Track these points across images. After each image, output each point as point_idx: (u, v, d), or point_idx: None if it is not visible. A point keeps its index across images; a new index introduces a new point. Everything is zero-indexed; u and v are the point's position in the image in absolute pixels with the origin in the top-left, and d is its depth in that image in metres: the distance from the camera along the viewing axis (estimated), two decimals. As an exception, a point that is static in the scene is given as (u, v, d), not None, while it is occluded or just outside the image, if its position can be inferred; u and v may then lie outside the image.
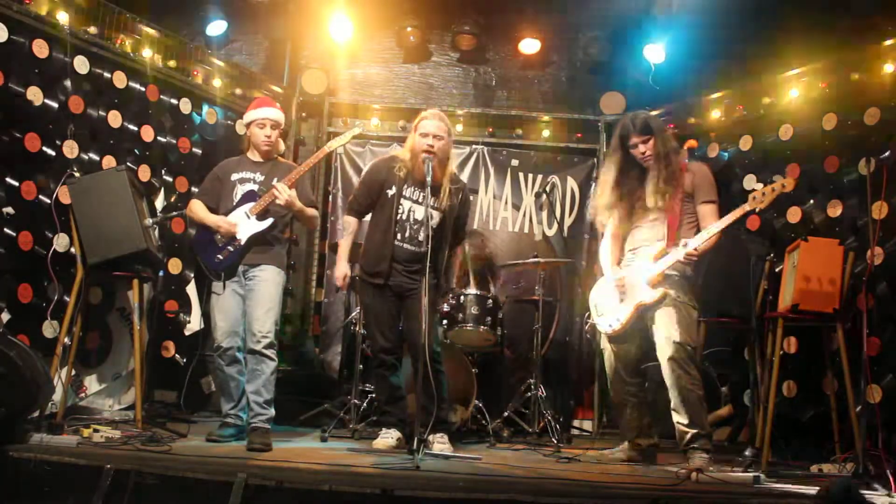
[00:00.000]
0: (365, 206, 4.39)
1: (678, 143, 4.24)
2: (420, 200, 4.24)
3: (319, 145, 6.35)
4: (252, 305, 4.09)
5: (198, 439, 4.03)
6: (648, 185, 4.08)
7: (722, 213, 3.98)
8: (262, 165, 4.30)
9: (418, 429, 3.62)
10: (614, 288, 4.20)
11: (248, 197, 4.20)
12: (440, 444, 4.13)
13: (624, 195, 4.18)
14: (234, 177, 4.28)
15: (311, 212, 4.29)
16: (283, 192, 4.05)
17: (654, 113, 4.32)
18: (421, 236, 4.19)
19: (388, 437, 4.21)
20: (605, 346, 4.31)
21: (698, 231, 4.01)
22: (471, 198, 4.66)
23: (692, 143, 5.83)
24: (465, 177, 6.24)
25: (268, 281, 4.12)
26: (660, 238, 4.07)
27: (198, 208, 4.28)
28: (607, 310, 4.24)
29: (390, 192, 4.26)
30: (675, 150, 4.15)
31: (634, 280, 4.10)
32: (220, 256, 4.18)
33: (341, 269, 4.38)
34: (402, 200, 4.24)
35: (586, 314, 4.53)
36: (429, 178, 4.02)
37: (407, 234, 4.24)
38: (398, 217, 4.23)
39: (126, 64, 5.17)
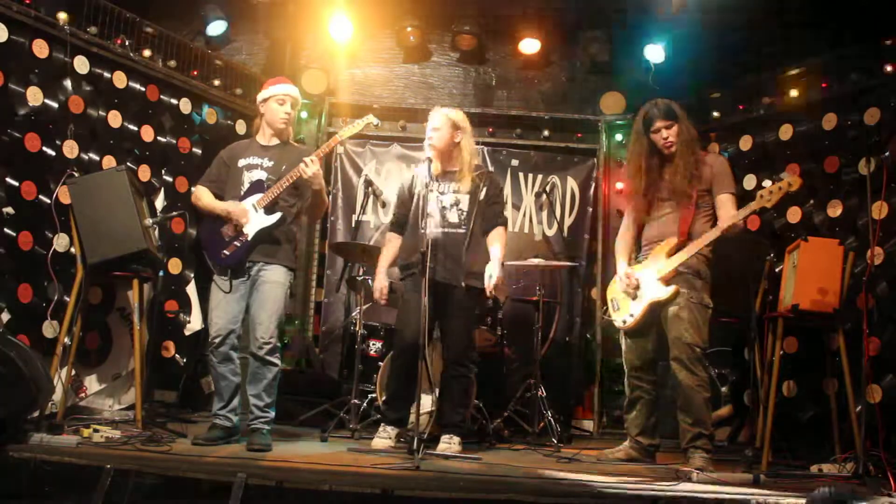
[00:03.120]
0: (404, 217, 4.45)
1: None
2: (445, 191, 4.31)
3: (319, 145, 6.34)
4: (256, 309, 3.97)
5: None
6: (678, 171, 4.06)
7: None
8: (271, 150, 4.15)
9: (418, 428, 3.63)
10: (625, 283, 4.20)
11: (256, 187, 4.05)
12: (446, 444, 4.13)
13: (649, 183, 4.16)
14: (242, 163, 4.12)
15: (327, 200, 4.24)
16: (312, 167, 3.92)
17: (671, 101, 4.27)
18: (452, 218, 4.24)
19: (384, 437, 4.20)
20: (622, 340, 4.31)
21: (714, 224, 4.00)
22: (498, 180, 4.57)
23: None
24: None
25: (274, 283, 4.00)
26: (673, 232, 4.06)
27: (203, 195, 4.13)
28: (622, 305, 4.24)
29: (416, 190, 4.37)
30: (697, 139, 4.14)
31: (647, 276, 4.10)
32: (225, 252, 4.02)
33: (380, 281, 4.41)
34: (429, 194, 4.22)
35: (604, 308, 4.52)
36: (430, 170, 4.10)
37: (438, 219, 4.26)
38: (427, 209, 4.18)
39: (126, 64, 5.17)
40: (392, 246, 4.48)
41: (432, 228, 4.19)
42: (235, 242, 4.03)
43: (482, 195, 4.29)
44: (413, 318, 4.12)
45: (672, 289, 3.99)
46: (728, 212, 3.97)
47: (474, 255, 4.23)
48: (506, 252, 4.34)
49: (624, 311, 4.22)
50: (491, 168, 6.35)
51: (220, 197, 4.13)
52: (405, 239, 4.42)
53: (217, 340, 4.00)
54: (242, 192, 4.07)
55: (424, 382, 3.87)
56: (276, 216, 4.02)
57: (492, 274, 4.16)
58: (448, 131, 4.32)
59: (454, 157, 4.34)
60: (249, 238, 4.01)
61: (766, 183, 3.85)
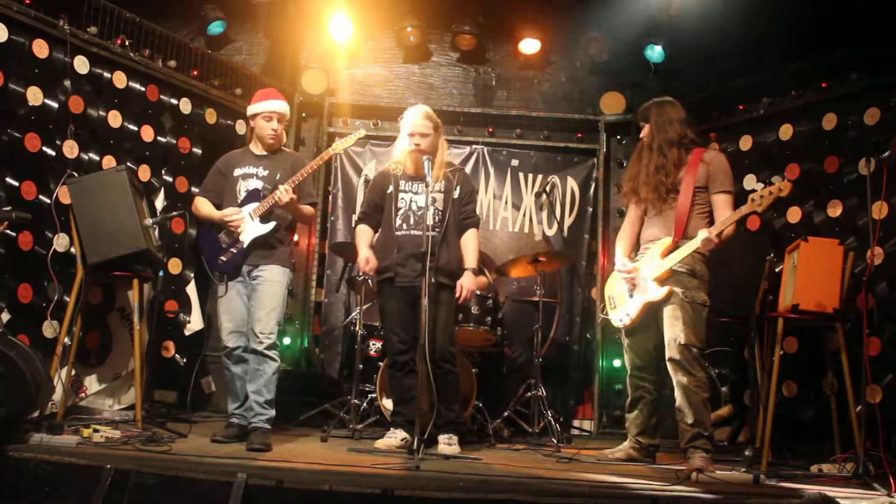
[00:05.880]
0: (374, 210, 4.43)
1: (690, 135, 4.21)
2: (419, 191, 4.28)
3: (319, 145, 6.38)
4: (255, 306, 4.07)
5: (198, 439, 4.03)
6: (648, 173, 4.13)
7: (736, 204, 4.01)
8: (265, 159, 4.27)
9: (418, 429, 3.63)
10: (623, 281, 4.20)
11: (253, 196, 4.17)
12: (446, 444, 4.13)
13: (642, 181, 4.19)
14: (237, 172, 4.24)
15: (309, 210, 4.29)
16: (285, 196, 4.03)
17: (665, 99, 4.30)
18: (427, 220, 4.20)
19: (392, 437, 4.21)
20: (623, 340, 4.32)
21: (711, 223, 4.00)
22: (471, 179, 4.61)
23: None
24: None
25: (272, 281, 4.10)
26: (669, 232, 4.07)
27: (202, 205, 4.27)
28: (620, 303, 4.24)
29: (389, 190, 4.35)
30: (673, 141, 4.12)
31: (643, 276, 4.10)
32: (223, 258, 4.16)
33: (362, 253, 4.35)
34: (401, 194, 4.30)
35: (601, 307, 4.52)
36: (428, 178, 4.04)
37: (412, 222, 4.26)
38: (399, 208, 4.27)
39: (126, 64, 5.17)
40: (366, 238, 4.41)
41: (403, 230, 4.24)
42: (232, 249, 4.16)
43: (456, 193, 4.32)
44: (397, 326, 4.26)
45: (665, 290, 3.98)
46: (721, 213, 3.98)
47: (448, 254, 4.25)
48: (478, 254, 4.40)
49: (621, 309, 4.22)
50: (491, 168, 6.37)
51: (218, 206, 4.25)
52: (378, 243, 4.41)
53: (230, 345, 4.15)
54: (239, 202, 4.20)
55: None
56: (271, 225, 4.14)
57: (462, 284, 4.22)
58: (435, 136, 4.33)
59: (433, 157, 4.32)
60: (245, 245, 4.13)
61: (771, 182, 3.83)
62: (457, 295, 4.23)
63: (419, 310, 4.10)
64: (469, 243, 4.34)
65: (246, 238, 4.13)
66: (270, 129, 4.24)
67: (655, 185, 4.09)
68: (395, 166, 4.40)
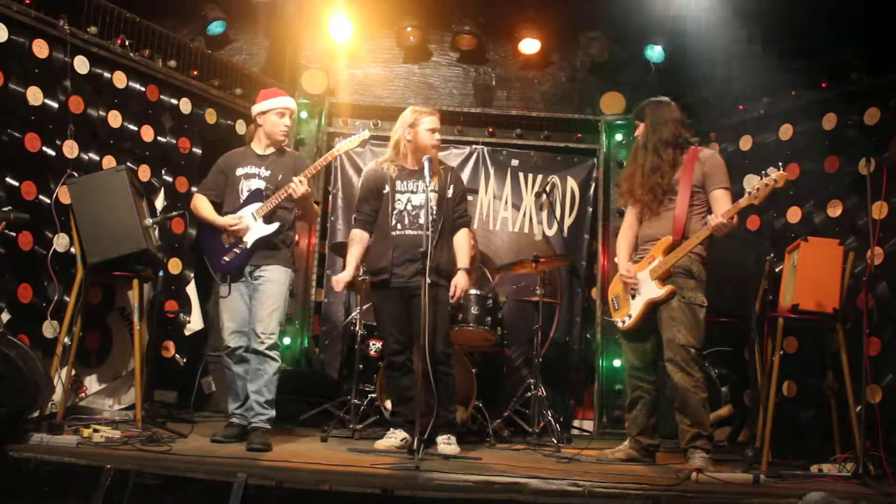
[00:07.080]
0: (369, 212, 4.38)
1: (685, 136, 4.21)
2: (416, 190, 4.27)
3: (319, 145, 6.37)
4: (256, 306, 4.06)
5: (198, 439, 4.03)
6: (644, 173, 4.14)
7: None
8: (266, 158, 4.25)
9: (418, 429, 3.63)
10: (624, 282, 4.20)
11: (255, 196, 4.15)
12: (446, 445, 4.13)
13: (637, 182, 4.19)
14: (239, 171, 4.22)
15: (317, 208, 4.30)
16: (300, 188, 4.03)
17: (660, 99, 4.30)
18: (422, 219, 4.18)
19: (392, 438, 4.21)
20: (622, 340, 4.32)
21: None
22: (462, 179, 4.64)
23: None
24: (465, 176, 6.25)
25: (274, 281, 4.09)
26: (668, 231, 4.06)
27: (203, 206, 4.23)
28: (622, 304, 4.25)
29: (385, 190, 4.32)
30: (668, 141, 4.12)
31: (643, 276, 4.10)
32: (225, 259, 4.14)
33: (344, 275, 4.36)
34: (398, 194, 4.28)
35: (605, 308, 4.53)
36: (427, 178, 4.06)
37: (407, 222, 4.25)
38: (396, 209, 4.26)
39: (126, 64, 5.17)
40: (360, 244, 4.40)
41: (398, 231, 4.23)
42: (235, 249, 4.14)
43: (450, 192, 4.32)
44: (393, 327, 4.26)
45: (667, 288, 3.98)
46: (720, 207, 3.96)
47: (444, 254, 4.25)
48: (470, 253, 4.39)
49: (623, 310, 4.22)
50: (491, 168, 6.37)
51: (218, 205, 4.23)
52: (372, 244, 4.39)
53: (231, 345, 4.14)
54: (241, 201, 4.17)
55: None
56: (275, 225, 4.13)
57: (457, 284, 4.21)
58: None
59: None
60: (248, 246, 4.12)
61: (766, 174, 3.80)
62: (451, 293, 4.22)
63: (414, 310, 4.12)
64: (462, 243, 4.33)
65: (249, 238, 4.11)
66: (283, 125, 4.23)
67: (651, 187, 4.09)
68: (389, 165, 4.35)
